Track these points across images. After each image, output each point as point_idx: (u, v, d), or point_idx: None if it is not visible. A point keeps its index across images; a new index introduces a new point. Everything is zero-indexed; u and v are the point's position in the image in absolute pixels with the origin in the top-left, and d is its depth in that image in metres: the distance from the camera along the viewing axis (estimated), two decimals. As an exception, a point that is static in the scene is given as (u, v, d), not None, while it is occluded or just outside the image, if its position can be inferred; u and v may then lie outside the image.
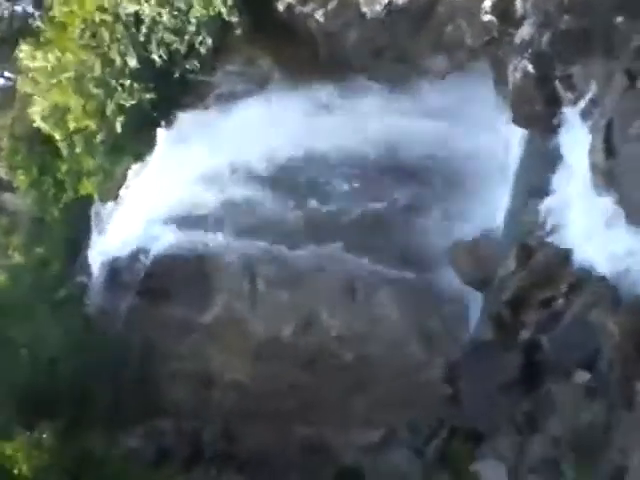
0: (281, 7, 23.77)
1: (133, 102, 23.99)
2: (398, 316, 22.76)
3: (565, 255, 17.06)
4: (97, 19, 23.88)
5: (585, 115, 17.39)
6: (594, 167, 16.51)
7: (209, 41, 23.68)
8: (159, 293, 23.77)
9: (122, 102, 23.99)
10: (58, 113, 24.61)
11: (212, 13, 22.87)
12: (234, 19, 23.41)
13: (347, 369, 22.83)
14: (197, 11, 22.71)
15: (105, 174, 25.38)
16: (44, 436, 21.79)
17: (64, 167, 25.69)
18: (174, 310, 23.60)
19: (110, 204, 25.60)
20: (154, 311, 23.73)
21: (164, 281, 23.73)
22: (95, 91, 24.09)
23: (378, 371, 22.64)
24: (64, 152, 25.34)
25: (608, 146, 16.18)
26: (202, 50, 23.78)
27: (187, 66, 24.06)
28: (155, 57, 23.69)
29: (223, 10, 22.80)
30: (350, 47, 23.50)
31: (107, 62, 24.02)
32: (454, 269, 20.89)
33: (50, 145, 25.49)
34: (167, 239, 23.88)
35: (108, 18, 23.85)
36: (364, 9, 22.83)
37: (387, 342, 22.77)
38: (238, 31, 23.81)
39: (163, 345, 23.63)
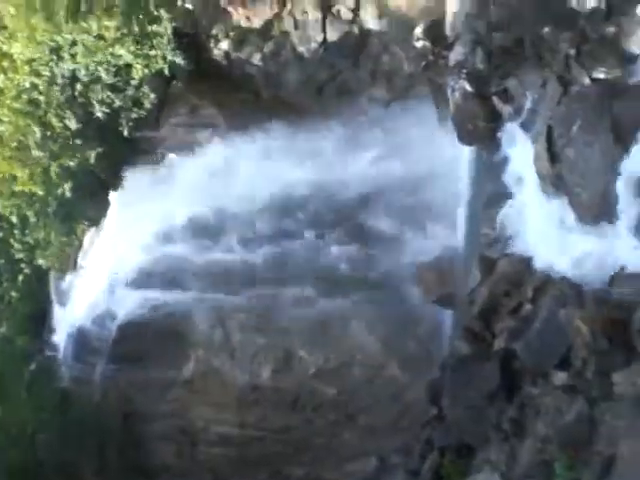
0: (218, 55, 25.02)
1: (77, 161, 24.73)
2: (374, 343, 23.83)
3: (526, 262, 18.23)
4: (28, 84, 24.52)
5: (526, 125, 18.68)
6: (541, 174, 17.84)
7: (152, 95, 24.53)
8: (132, 356, 24.45)
9: (67, 163, 24.76)
10: (5, 186, 25.34)
11: (154, 71, 23.77)
12: (175, 71, 24.26)
13: (331, 403, 23.91)
14: (140, 71, 23.61)
15: (61, 244, 26.06)
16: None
17: (17, 244, 26.18)
18: (150, 371, 24.37)
19: (70, 273, 26.38)
20: (130, 374, 24.47)
21: (135, 343, 24.44)
22: (37, 155, 24.78)
23: (362, 400, 23.73)
24: (16, 228, 25.96)
25: (551, 153, 17.46)
26: (146, 104, 24.58)
27: (132, 123, 24.84)
28: (99, 115, 24.47)
29: (164, 67, 23.67)
30: (291, 87, 24.86)
31: (46, 126, 24.78)
32: (421, 289, 22.03)
33: (2, 222, 26.08)
34: (131, 301, 24.66)
35: (42, 82, 24.58)
36: (300, 49, 24.27)
37: (367, 370, 23.84)
38: (179, 82, 24.81)
39: (144, 407, 24.45)
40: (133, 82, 23.74)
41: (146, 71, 23.57)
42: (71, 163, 24.70)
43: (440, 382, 19.25)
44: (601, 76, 16.97)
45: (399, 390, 23.08)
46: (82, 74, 23.85)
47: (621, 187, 15.76)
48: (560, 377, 16.14)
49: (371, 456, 22.50)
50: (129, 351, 24.56)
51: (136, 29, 22.75)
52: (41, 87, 24.58)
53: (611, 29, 17.10)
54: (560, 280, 16.97)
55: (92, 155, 24.68)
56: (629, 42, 16.64)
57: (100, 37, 23.36)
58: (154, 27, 23.15)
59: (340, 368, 23.76)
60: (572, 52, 17.58)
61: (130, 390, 24.54)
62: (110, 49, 23.22)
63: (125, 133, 24.78)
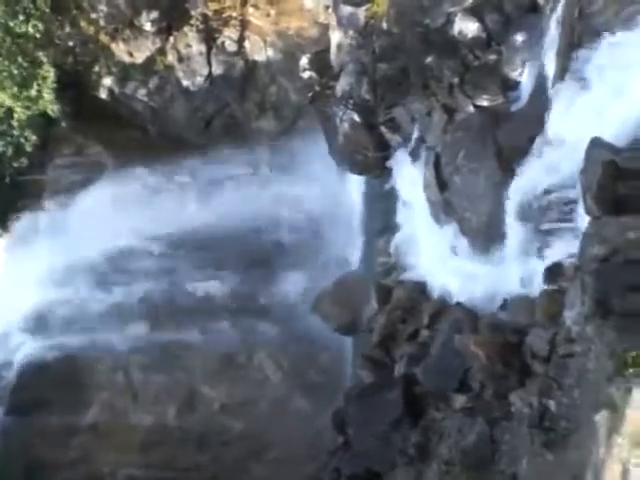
0: (103, 93, 25.09)
1: None
2: (278, 375, 24.34)
3: (421, 288, 18.99)
4: None
5: (414, 154, 19.39)
6: (431, 201, 18.53)
7: (34, 138, 24.32)
8: (33, 403, 24.21)
9: None
10: None
11: (36, 113, 23.65)
12: (57, 112, 24.03)
13: (238, 438, 24.15)
14: (21, 113, 23.45)
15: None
16: None
17: None
18: (53, 418, 24.13)
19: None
20: (32, 423, 24.17)
21: (35, 390, 24.20)
22: None
23: (269, 433, 24.05)
24: None
25: (439, 180, 18.09)
26: (28, 148, 24.38)
27: (13, 169, 24.62)
28: None
29: (48, 107, 23.55)
30: (178, 121, 25.09)
31: None
32: (321, 318, 22.20)
33: None
34: (28, 347, 24.49)
35: None
36: (185, 82, 24.57)
37: (272, 402, 24.25)
38: (63, 122, 24.57)
39: (49, 455, 24.14)
40: (15, 126, 23.56)
41: (28, 113, 23.41)
42: None
43: (345, 411, 19.76)
44: (485, 103, 17.69)
45: (305, 420, 23.49)
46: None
47: (506, 212, 16.41)
48: (460, 400, 16.76)
49: (281, 489, 22.89)
50: (30, 398, 24.33)
51: (16, 72, 22.69)
52: None
53: (492, 57, 17.83)
54: (455, 306, 17.72)
55: None
56: (510, 69, 17.33)
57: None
58: (35, 68, 23.01)
59: (245, 402, 24.10)
60: (456, 80, 18.24)
61: (33, 438, 24.22)
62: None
63: (7, 180, 24.62)
